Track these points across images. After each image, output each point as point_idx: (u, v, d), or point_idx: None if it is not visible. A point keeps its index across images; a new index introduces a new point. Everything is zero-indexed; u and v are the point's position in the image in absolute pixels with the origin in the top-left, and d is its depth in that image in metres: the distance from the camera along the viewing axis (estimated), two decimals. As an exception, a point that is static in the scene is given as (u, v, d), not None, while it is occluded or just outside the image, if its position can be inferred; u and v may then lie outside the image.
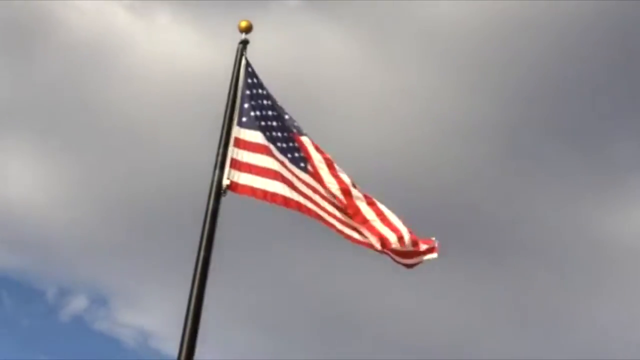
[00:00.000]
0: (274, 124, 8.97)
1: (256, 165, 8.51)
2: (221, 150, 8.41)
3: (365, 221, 8.91)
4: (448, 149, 26.61)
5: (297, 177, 8.79)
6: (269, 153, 8.67)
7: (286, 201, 8.46)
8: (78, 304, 30.30)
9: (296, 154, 8.98)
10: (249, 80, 9.00)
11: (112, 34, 27.82)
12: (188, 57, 26.29)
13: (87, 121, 27.37)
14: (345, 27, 27.95)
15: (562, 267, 28.55)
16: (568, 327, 28.07)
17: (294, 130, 9.14)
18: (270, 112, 9.01)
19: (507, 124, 28.81)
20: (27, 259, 29.98)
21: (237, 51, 9.12)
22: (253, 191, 8.37)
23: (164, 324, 27.93)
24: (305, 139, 9.17)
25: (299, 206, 8.52)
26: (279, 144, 8.87)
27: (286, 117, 9.18)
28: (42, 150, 28.56)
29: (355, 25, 27.90)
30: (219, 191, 8.14)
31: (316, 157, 9.08)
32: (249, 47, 9.15)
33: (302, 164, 8.95)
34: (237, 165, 8.43)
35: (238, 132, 8.66)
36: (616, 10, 27.33)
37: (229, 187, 8.22)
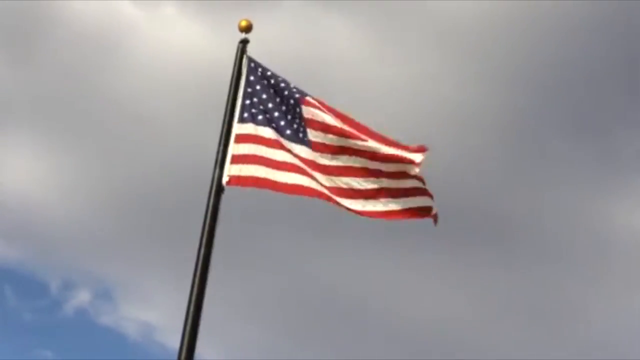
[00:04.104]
0: (277, 114, 9.02)
1: (260, 156, 8.60)
2: (221, 148, 8.49)
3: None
4: (451, 142, 26.58)
5: (305, 160, 8.82)
6: (273, 145, 8.75)
7: (292, 188, 8.53)
8: (82, 297, 30.30)
9: (304, 133, 8.98)
10: (251, 77, 9.08)
11: (116, 26, 27.82)
12: (193, 49, 26.29)
13: (90, 114, 27.41)
14: (349, 20, 27.95)
15: (568, 261, 28.53)
16: (573, 322, 28.06)
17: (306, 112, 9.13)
18: (273, 104, 9.06)
19: (512, 119, 28.80)
20: (30, 252, 30.03)
21: (237, 51, 9.18)
22: (256, 181, 8.47)
23: (169, 317, 27.98)
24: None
25: (309, 191, 8.57)
26: (287, 132, 8.92)
27: (292, 102, 9.14)
28: (45, 143, 28.64)
29: (358, 17, 27.89)
30: (219, 188, 8.22)
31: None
32: (251, 45, 9.18)
33: (305, 139, 8.94)
34: (237, 159, 8.51)
35: (239, 128, 8.75)
36: (625, 4, 27.26)
37: (228, 182, 8.30)
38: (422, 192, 8.80)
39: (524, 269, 28.39)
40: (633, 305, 27.34)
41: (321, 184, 8.67)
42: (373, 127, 9.03)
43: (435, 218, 8.75)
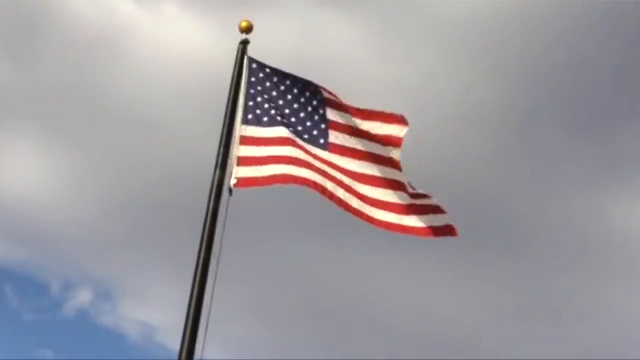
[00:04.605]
0: (288, 111, 9.03)
1: (267, 156, 8.59)
2: (222, 151, 8.41)
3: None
4: (456, 141, 26.53)
5: (315, 156, 8.88)
6: (283, 143, 8.75)
7: (295, 179, 8.57)
8: (83, 298, 30.30)
9: (314, 133, 9.04)
10: (253, 79, 9.01)
11: (118, 25, 27.79)
12: (196, 49, 26.23)
13: (92, 113, 27.35)
14: (353, 18, 27.90)
15: (573, 261, 28.46)
16: (574, 322, 28.02)
17: (316, 109, 9.16)
18: (282, 102, 9.05)
19: (522, 120, 28.76)
20: (31, 253, 30.01)
21: (238, 52, 9.10)
22: (266, 180, 8.46)
23: (169, 318, 27.94)
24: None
25: (311, 184, 8.62)
26: (291, 129, 8.92)
27: (302, 100, 9.16)
28: (45, 143, 28.60)
29: (361, 15, 27.84)
30: (219, 192, 8.14)
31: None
32: (253, 45, 9.11)
33: (321, 141, 9.03)
34: (244, 161, 8.48)
35: (244, 130, 8.69)
36: (632, 2, 27.18)
37: (236, 185, 8.25)
38: (440, 210, 9.06)
39: (529, 269, 28.35)
40: (634, 304, 27.33)
41: (338, 185, 8.79)
42: None
43: (454, 231, 9.09)
